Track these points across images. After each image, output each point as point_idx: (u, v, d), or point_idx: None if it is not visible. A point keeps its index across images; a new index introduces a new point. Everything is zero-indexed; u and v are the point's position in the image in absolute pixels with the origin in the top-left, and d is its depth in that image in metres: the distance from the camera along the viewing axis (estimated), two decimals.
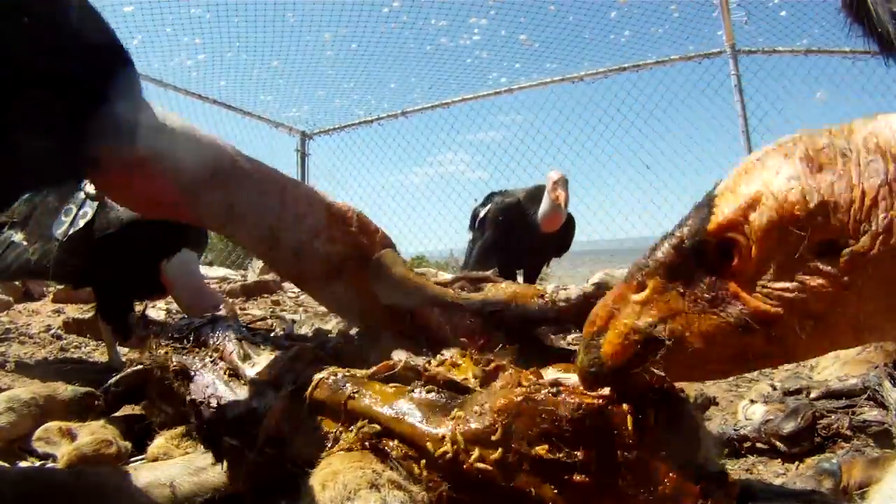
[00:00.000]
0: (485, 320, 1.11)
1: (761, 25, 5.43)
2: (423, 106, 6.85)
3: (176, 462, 1.05)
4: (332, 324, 1.88)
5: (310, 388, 0.89)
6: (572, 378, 0.80)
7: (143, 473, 1.03)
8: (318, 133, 7.36)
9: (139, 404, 1.37)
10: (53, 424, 1.20)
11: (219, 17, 5.68)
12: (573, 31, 5.92)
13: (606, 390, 0.74)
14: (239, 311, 3.49)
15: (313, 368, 0.95)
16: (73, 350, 2.53)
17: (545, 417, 0.73)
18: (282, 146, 7.32)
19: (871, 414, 1.34)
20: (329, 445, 0.83)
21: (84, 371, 2.17)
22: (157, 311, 3.18)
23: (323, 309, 2.00)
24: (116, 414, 1.37)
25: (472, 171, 9.27)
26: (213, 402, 0.99)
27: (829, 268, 0.59)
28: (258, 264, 4.76)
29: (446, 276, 1.70)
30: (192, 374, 1.08)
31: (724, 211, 0.64)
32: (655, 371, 0.69)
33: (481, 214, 3.83)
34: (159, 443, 1.12)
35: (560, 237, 3.65)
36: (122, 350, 2.13)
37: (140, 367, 1.29)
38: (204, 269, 4.02)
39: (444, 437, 0.75)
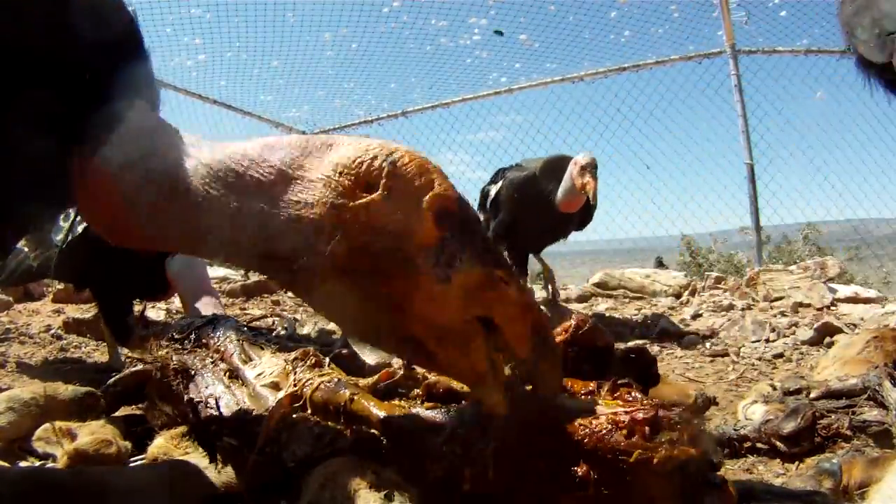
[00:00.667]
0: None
1: (761, 25, 5.45)
2: (423, 106, 6.87)
3: (176, 462, 1.05)
4: (333, 324, 1.88)
5: (310, 390, 0.89)
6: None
7: (143, 473, 1.03)
8: (318, 133, 7.36)
9: (139, 405, 1.36)
10: (53, 424, 1.20)
11: (219, 17, 5.71)
12: (573, 31, 5.95)
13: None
14: (239, 311, 3.49)
15: (314, 371, 0.95)
16: (73, 350, 2.53)
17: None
18: None
19: (871, 414, 1.34)
20: (329, 446, 0.83)
21: (84, 371, 2.18)
22: (156, 311, 3.18)
23: None
24: (116, 414, 1.37)
25: (473, 172, 9.27)
26: (213, 403, 0.99)
27: None
28: None
29: None
30: (193, 374, 1.08)
31: None
32: None
33: (492, 193, 3.40)
34: (159, 443, 1.11)
35: (582, 210, 3.17)
36: (123, 350, 2.13)
37: (140, 367, 1.29)
38: None
39: None
